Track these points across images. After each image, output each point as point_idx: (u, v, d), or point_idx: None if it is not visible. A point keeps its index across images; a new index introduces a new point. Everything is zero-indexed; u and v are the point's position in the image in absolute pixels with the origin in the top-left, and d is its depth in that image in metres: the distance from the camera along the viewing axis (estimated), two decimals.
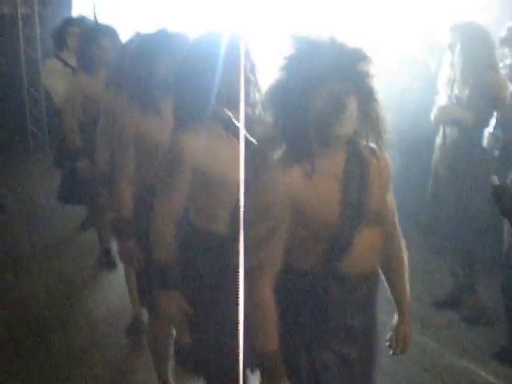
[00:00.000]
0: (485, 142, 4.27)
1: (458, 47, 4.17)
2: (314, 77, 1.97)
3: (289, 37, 2.05)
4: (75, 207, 5.87)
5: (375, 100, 2.06)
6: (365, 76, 2.02)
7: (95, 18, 5.24)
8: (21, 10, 9.31)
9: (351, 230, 2.09)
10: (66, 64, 5.56)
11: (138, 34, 3.78)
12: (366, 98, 2.03)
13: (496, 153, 4.28)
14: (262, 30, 4.69)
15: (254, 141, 2.38)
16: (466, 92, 4.16)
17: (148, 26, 3.31)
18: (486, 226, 4.37)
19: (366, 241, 2.12)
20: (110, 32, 4.62)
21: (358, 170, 2.12)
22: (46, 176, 7.22)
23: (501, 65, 4.41)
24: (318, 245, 2.10)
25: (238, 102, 2.34)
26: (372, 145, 2.15)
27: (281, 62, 2.05)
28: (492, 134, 4.26)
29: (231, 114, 2.51)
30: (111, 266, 5.33)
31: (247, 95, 2.47)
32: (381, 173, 2.19)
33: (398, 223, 2.36)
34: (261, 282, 2.08)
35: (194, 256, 2.57)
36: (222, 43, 2.39)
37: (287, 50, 2.04)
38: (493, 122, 4.26)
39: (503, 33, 4.85)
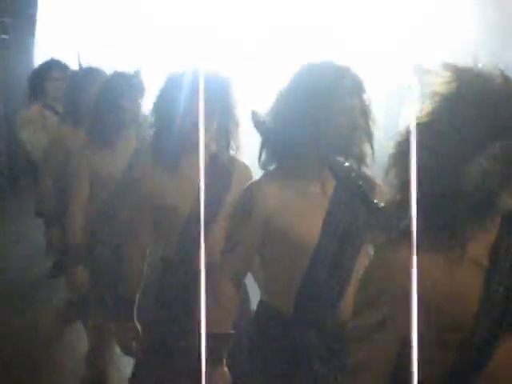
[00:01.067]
0: None
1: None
2: (479, 127, 1.36)
3: (439, 66, 1.44)
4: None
5: None
6: None
7: (79, 63, 4.82)
8: None
9: (490, 339, 1.46)
10: (43, 113, 4.97)
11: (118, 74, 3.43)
12: None
13: None
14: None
15: (374, 201, 1.93)
16: None
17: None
18: None
19: None
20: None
21: None
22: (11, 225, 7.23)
23: None
24: (448, 352, 1.49)
25: (340, 151, 1.98)
26: None
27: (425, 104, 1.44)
28: None
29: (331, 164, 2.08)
30: None
31: (352, 144, 1.99)
32: None
33: None
34: None
35: (258, 343, 2.12)
36: (331, 77, 1.94)
37: (438, 84, 1.42)
38: None
39: None
